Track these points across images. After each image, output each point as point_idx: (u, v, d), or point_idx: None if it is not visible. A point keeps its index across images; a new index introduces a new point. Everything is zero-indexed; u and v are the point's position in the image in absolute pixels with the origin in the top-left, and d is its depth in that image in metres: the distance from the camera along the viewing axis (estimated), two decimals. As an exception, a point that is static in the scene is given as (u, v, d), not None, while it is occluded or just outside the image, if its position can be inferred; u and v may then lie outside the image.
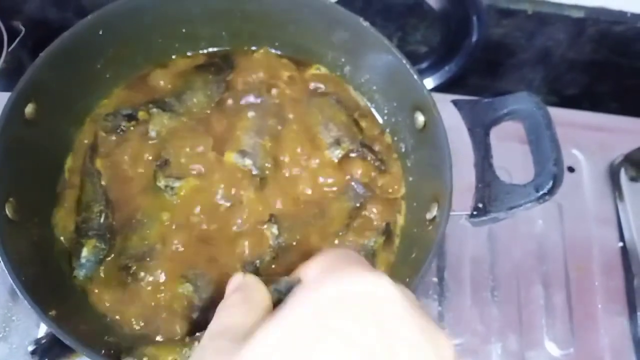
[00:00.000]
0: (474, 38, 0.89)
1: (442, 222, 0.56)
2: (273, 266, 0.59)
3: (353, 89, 0.70)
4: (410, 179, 0.66)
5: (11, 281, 0.51)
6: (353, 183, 0.64)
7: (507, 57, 0.95)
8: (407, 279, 0.56)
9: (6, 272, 0.51)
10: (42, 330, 0.66)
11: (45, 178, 0.62)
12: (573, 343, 0.68)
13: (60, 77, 0.62)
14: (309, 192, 0.63)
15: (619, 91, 0.97)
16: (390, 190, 0.65)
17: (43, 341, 0.62)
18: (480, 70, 0.94)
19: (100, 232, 0.59)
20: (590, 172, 0.79)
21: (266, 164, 0.63)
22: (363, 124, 0.67)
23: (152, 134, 0.64)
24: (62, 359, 0.61)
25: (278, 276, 0.44)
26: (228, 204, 0.62)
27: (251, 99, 0.67)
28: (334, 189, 0.64)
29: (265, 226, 0.60)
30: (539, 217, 0.75)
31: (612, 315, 0.70)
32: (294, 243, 0.60)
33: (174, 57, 0.71)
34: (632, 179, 0.77)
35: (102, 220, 0.60)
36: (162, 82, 0.68)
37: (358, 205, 0.63)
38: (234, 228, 0.61)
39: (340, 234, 0.61)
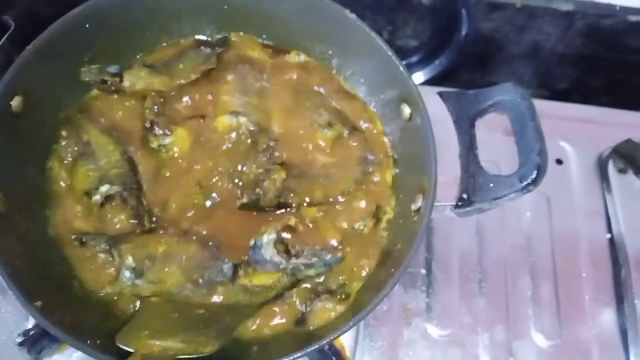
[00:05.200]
0: (464, 32, 0.89)
1: (427, 213, 0.56)
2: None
3: (342, 81, 0.71)
4: (398, 170, 0.66)
5: (-1, 274, 0.52)
6: (364, 150, 0.65)
7: (496, 50, 0.95)
8: (392, 270, 0.56)
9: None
10: (31, 322, 0.66)
11: (33, 170, 0.63)
12: (560, 334, 0.69)
13: (48, 70, 0.62)
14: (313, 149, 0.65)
15: (608, 84, 0.97)
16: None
17: (31, 332, 0.63)
18: (470, 64, 0.95)
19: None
20: (579, 165, 0.79)
21: (260, 119, 0.65)
22: (354, 117, 0.68)
23: (126, 83, 0.65)
24: (50, 350, 0.63)
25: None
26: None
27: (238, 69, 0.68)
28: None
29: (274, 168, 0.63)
30: (527, 209, 0.75)
31: (600, 306, 0.70)
32: (298, 192, 0.63)
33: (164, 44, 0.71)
34: (620, 171, 0.78)
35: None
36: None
37: (367, 170, 0.64)
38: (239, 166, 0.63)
39: (341, 199, 0.63)
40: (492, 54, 0.96)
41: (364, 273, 0.61)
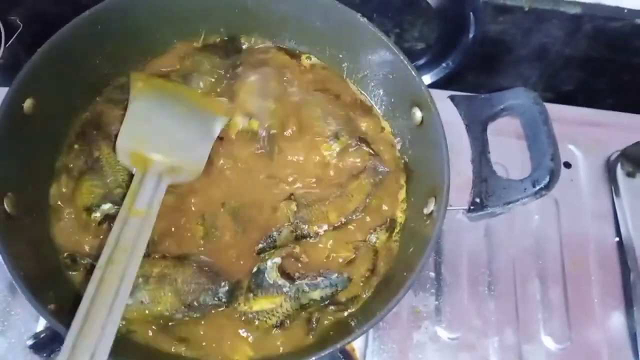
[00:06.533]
0: (471, 34, 0.89)
1: (440, 217, 0.56)
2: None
3: (352, 84, 0.71)
4: (409, 175, 0.66)
5: (10, 276, 0.51)
6: (373, 160, 0.65)
7: (503, 53, 0.95)
8: (405, 274, 0.56)
9: (5, 266, 0.52)
10: (41, 324, 0.66)
11: (43, 173, 0.63)
12: (570, 337, 0.69)
13: (59, 72, 0.62)
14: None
15: (615, 87, 0.97)
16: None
17: (42, 335, 0.63)
18: (477, 66, 0.95)
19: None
20: (587, 168, 0.79)
21: (273, 126, 0.65)
22: (363, 123, 0.68)
23: None
24: (58, 354, 0.62)
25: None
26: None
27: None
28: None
29: (283, 203, 0.62)
30: (535, 213, 0.75)
31: (609, 310, 0.70)
32: (313, 219, 0.62)
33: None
34: (629, 175, 0.78)
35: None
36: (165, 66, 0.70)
37: (378, 180, 0.64)
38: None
39: (359, 212, 0.62)
40: (499, 56, 0.96)
41: (375, 282, 0.61)
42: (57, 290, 0.56)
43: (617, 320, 0.70)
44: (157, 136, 0.63)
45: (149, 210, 0.57)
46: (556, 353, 0.68)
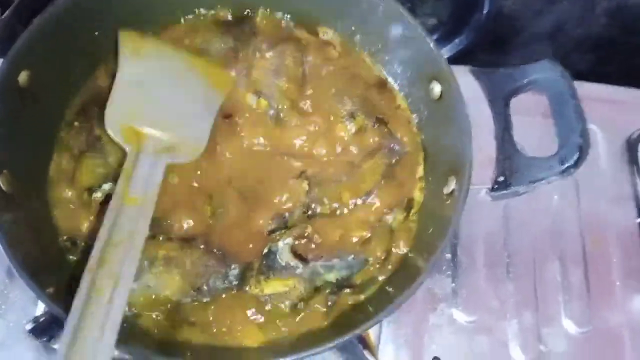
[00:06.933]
0: (485, 11, 0.85)
1: (461, 197, 0.53)
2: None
3: (367, 58, 0.67)
4: (427, 152, 0.63)
5: (7, 258, 0.48)
6: (389, 140, 0.61)
7: (517, 31, 0.92)
8: (426, 255, 0.54)
9: (2, 249, 0.49)
10: (41, 308, 0.63)
11: (42, 151, 0.59)
12: (591, 320, 0.66)
13: (56, 45, 0.58)
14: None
15: (631, 67, 0.94)
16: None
17: (42, 319, 0.60)
18: (490, 44, 0.91)
19: None
20: (607, 147, 0.76)
21: (283, 106, 0.61)
22: (380, 101, 0.64)
23: None
24: (57, 338, 0.59)
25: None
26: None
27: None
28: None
29: (294, 182, 0.59)
30: (554, 193, 0.73)
31: (631, 292, 0.68)
32: (325, 199, 0.59)
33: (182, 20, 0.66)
34: (650, 154, 0.75)
35: None
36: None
37: (393, 162, 0.61)
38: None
39: (374, 191, 0.59)
40: (512, 34, 0.92)
41: (391, 264, 0.58)
42: (57, 274, 0.53)
43: (639, 303, 0.68)
44: (152, 108, 0.57)
45: (146, 196, 0.51)
46: (577, 337, 0.66)
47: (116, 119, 0.56)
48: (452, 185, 0.56)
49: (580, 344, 0.65)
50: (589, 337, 0.66)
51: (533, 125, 0.65)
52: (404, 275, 0.56)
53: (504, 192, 0.55)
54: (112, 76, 0.62)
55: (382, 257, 0.58)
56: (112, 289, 0.46)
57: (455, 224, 0.52)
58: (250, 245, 0.57)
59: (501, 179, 0.55)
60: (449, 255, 0.69)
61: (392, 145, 0.62)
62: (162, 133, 0.56)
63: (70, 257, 0.56)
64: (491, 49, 0.93)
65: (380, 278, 0.57)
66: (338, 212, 0.59)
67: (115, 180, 0.55)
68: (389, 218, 0.59)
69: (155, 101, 0.58)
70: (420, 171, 0.62)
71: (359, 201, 0.60)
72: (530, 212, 0.71)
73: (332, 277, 0.55)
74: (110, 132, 0.56)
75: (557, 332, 0.66)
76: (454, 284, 0.67)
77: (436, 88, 0.60)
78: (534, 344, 0.65)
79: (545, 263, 0.69)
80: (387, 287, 0.56)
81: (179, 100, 0.58)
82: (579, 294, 0.68)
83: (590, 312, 0.67)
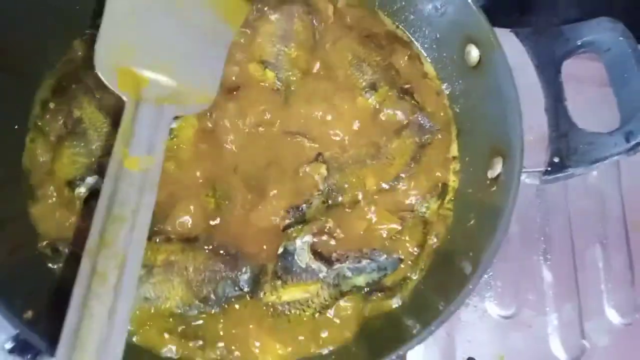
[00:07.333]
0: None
1: (512, 183, 0.46)
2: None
3: (386, 18, 0.58)
4: (461, 128, 0.55)
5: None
6: (417, 115, 0.53)
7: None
8: (470, 254, 0.46)
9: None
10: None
11: (12, 139, 0.49)
12: (636, 309, 0.60)
13: (27, 10, 0.48)
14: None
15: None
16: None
17: (20, 337, 0.52)
18: (509, 3, 0.81)
19: None
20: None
21: (292, 77, 0.52)
22: (403, 65, 0.55)
23: None
24: (43, 355, 0.51)
25: None
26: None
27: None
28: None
29: (310, 167, 0.50)
30: (593, 169, 0.65)
31: (679, 279, 0.62)
32: (347, 186, 0.50)
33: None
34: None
35: None
36: None
37: (423, 140, 0.53)
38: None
39: (403, 176, 0.51)
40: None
41: (425, 260, 0.50)
42: (35, 290, 0.44)
43: (688, 289, 0.62)
44: (151, 44, 0.46)
45: (150, 158, 0.42)
46: (622, 328, 0.60)
47: (108, 59, 0.45)
48: (497, 168, 0.48)
49: (625, 336, 0.59)
50: (633, 328, 0.60)
51: (586, 95, 0.56)
52: (443, 273, 0.49)
53: (558, 175, 0.48)
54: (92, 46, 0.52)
55: (415, 253, 0.50)
56: (118, 271, 0.38)
57: (507, 217, 0.44)
58: (263, 244, 0.49)
59: (556, 159, 0.48)
60: (479, 242, 0.61)
61: (420, 120, 0.53)
62: (165, 76, 0.46)
63: (51, 265, 0.47)
64: (511, 8, 0.83)
65: (414, 277, 0.50)
66: (362, 201, 0.51)
67: (101, 173, 0.46)
68: (422, 207, 0.51)
69: (155, 35, 0.46)
70: (454, 150, 0.54)
71: (386, 187, 0.51)
72: (567, 192, 0.64)
73: (361, 280, 0.47)
74: (101, 75, 0.45)
75: (601, 325, 0.60)
76: (486, 276, 0.60)
77: (473, 52, 0.52)
78: (576, 340, 0.59)
79: (585, 247, 0.62)
80: (423, 289, 0.49)
81: (183, 35, 0.47)
82: (622, 281, 0.61)
83: (634, 301, 0.61)
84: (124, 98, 0.44)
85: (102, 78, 0.44)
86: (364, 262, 0.47)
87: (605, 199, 0.64)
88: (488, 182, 0.49)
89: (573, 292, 0.61)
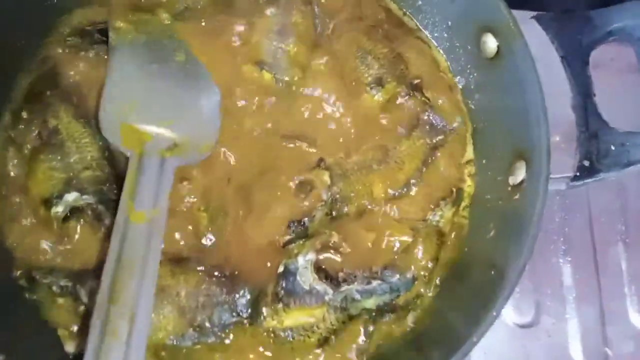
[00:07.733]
0: None
1: (539, 190, 0.41)
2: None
3: (392, 4, 0.52)
4: (476, 126, 0.50)
5: None
6: (427, 113, 0.48)
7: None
8: (492, 272, 0.41)
9: None
10: None
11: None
12: (661, 313, 0.57)
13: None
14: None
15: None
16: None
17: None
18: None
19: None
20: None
21: (293, 76, 0.48)
22: (412, 57, 0.50)
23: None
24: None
25: None
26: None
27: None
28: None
29: (311, 174, 0.46)
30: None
31: None
32: (352, 195, 0.46)
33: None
34: None
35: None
36: None
37: (435, 141, 0.48)
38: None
39: (413, 181, 0.47)
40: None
41: (438, 281, 0.46)
42: (10, 329, 0.39)
43: None
44: (151, 100, 0.46)
45: (155, 209, 0.41)
46: (646, 334, 0.56)
47: (113, 118, 0.45)
48: (520, 174, 0.43)
49: (650, 342, 0.56)
50: (660, 333, 0.56)
51: (614, 88, 0.51)
52: (461, 288, 0.44)
53: (588, 180, 0.43)
54: (70, 45, 0.48)
55: (429, 267, 0.46)
56: (129, 326, 0.37)
57: (534, 231, 0.40)
58: (262, 263, 0.44)
59: (586, 163, 0.43)
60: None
61: (432, 119, 0.48)
62: (165, 129, 0.46)
63: (29, 296, 0.42)
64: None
65: (429, 294, 0.46)
66: (369, 211, 0.46)
67: (80, 188, 0.44)
68: (435, 216, 0.47)
69: (153, 92, 0.47)
70: (469, 152, 0.49)
71: (396, 195, 0.47)
72: (588, 188, 0.59)
73: (371, 303, 0.43)
74: (108, 137, 0.45)
75: (625, 331, 0.56)
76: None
77: (490, 42, 0.47)
78: (598, 348, 0.55)
79: (607, 247, 0.58)
80: (440, 307, 0.45)
81: (179, 88, 0.48)
82: (647, 283, 0.58)
83: (661, 303, 0.57)
84: (128, 154, 0.44)
85: (108, 137, 0.45)
86: (375, 283, 0.43)
87: (628, 196, 0.60)
88: (509, 189, 0.44)
89: (595, 295, 0.57)
